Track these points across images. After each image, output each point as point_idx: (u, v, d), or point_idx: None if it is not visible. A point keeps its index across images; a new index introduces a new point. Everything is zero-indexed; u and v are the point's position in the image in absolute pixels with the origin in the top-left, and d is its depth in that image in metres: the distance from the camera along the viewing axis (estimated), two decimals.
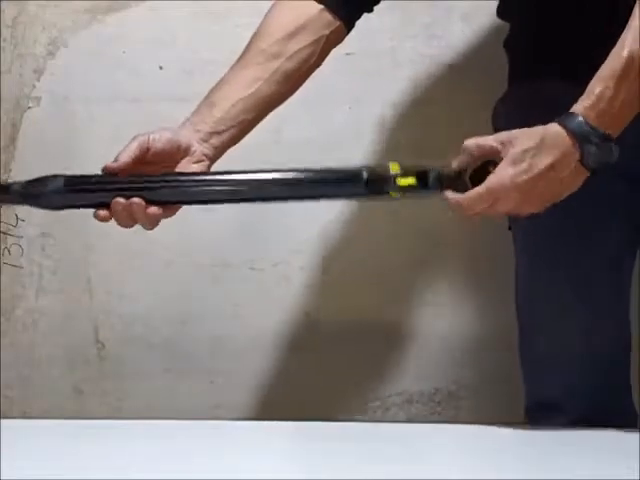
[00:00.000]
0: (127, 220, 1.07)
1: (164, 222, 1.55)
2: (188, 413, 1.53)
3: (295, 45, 1.14)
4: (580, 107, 1.00)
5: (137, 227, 1.54)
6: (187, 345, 1.57)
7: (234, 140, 1.14)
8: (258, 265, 1.55)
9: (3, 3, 1.54)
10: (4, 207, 1.55)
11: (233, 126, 1.12)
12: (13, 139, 1.56)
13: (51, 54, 1.56)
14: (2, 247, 1.56)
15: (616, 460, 0.95)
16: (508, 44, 1.28)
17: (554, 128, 1.00)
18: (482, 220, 1.48)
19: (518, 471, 0.92)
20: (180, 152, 1.10)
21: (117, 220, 1.08)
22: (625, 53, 0.99)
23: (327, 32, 1.16)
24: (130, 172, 1.06)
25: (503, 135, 1.02)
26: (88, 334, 1.58)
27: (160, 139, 1.09)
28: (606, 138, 0.99)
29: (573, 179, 1.01)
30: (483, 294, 1.56)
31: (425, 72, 1.52)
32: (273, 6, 1.18)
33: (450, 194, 1.03)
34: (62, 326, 1.58)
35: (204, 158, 1.11)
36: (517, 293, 1.28)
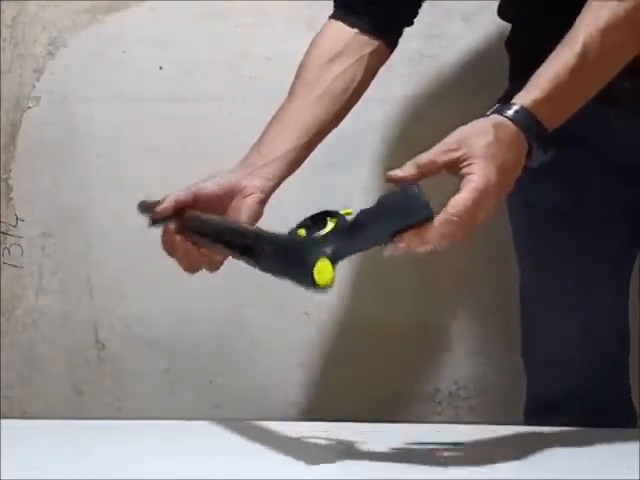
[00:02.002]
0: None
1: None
2: (188, 413, 1.53)
3: (337, 69, 1.13)
4: (529, 101, 0.93)
5: (135, 227, 1.55)
6: (187, 345, 1.57)
7: (285, 171, 1.10)
8: None
9: (3, 3, 1.54)
10: (4, 207, 1.56)
11: (281, 157, 1.09)
12: (13, 139, 1.56)
13: (51, 54, 1.56)
14: (2, 247, 1.56)
15: (616, 460, 0.95)
16: (509, 44, 1.28)
17: (499, 119, 0.92)
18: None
19: (518, 471, 0.92)
20: (231, 192, 1.07)
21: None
22: (577, 50, 0.94)
23: (367, 52, 1.15)
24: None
25: (452, 140, 0.92)
26: (88, 334, 1.58)
27: (206, 186, 1.07)
28: (547, 135, 0.94)
29: (515, 178, 0.94)
30: (483, 294, 1.56)
31: (425, 72, 1.52)
32: (315, 37, 1.17)
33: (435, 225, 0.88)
34: (62, 326, 1.58)
35: (255, 190, 1.07)
36: (520, 293, 1.28)
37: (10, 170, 1.56)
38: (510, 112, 0.93)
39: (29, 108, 1.56)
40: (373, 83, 1.55)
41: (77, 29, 1.55)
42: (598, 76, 0.97)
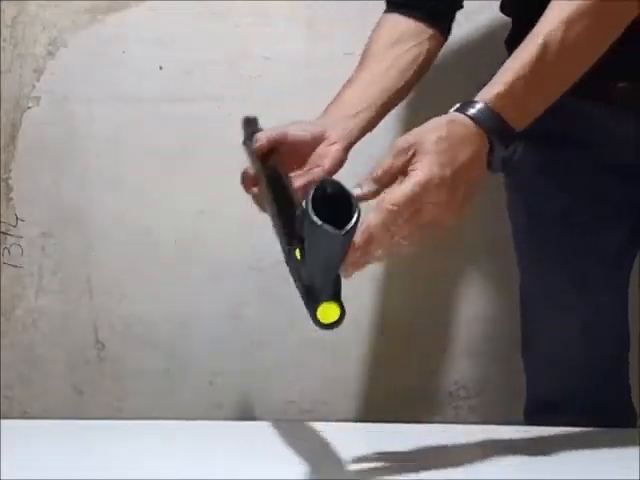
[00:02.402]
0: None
1: (164, 222, 1.56)
2: (188, 413, 1.53)
3: (400, 49, 1.18)
4: (491, 97, 0.92)
5: (135, 227, 1.56)
6: (187, 345, 1.57)
7: (364, 127, 1.13)
8: (258, 265, 1.56)
9: (3, 3, 1.54)
10: (4, 207, 1.56)
11: (364, 109, 1.13)
12: (13, 139, 1.56)
13: (51, 54, 1.55)
14: (2, 247, 1.56)
15: (616, 460, 0.95)
16: (509, 42, 1.28)
17: (459, 117, 0.91)
18: (482, 217, 1.49)
19: (518, 471, 0.92)
20: (315, 139, 1.10)
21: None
22: (540, 41, 0.92)
23: (425, 37, 1.19)
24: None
25: (403, 141, 0.90)
26: (88, 334, 1.58)
27: (294, 130, 1.10)
28: (511, 132, 0.92)
29: (479, 176, 0.91)
30: (484, 294, 1.56)
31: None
32: (373, 30, 1.21)
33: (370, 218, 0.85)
34: (62, 326, 1.58)
35: (339, 139, 1.10)
36: (520, 292, 1.28)
37: (10, 170, 1.56)
38: (468, 108, 0.92)
39: (29, 108, 1.55)
40: None
41: (77, 29, 1.55)
42: (562, 69, 0.94)
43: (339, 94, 1.16)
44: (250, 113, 1.19)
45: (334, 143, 1.10)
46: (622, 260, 1.22)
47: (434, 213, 0.87)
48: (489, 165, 0.91)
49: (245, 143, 1.16)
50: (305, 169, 1.09)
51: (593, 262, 1.20)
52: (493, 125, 0.91)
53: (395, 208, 0.85)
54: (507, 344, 1.50)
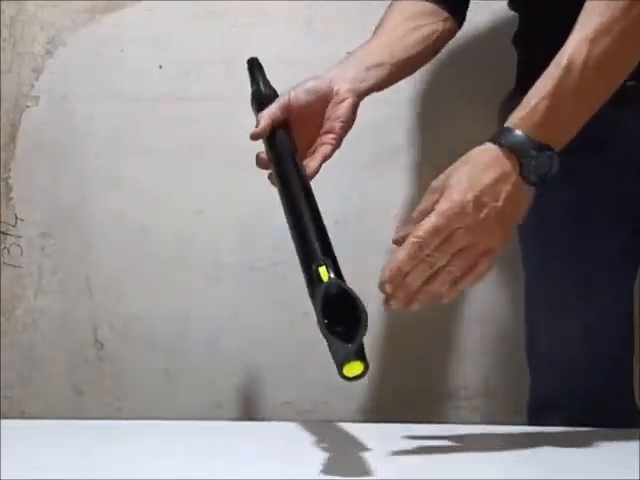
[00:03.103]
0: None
1: (163, 222, 1.56)
2: (188, 413, 1.53)
3: (416, 23, 1.19)
4: (515, 120, 0.95)
5: (134, 227, 1.55)
6: (187, 345, 1.57)
7: (376, 83, 1.13)
8: (258, 265, 1.55)
9: (2, 3, 1.53)
10: (4, 207, 1.55)
11: (377, 65, 1.13)
12: (12, 138, 1.55)
13: (49, 53, 1.55)
14: (2, 247, 1.56)
15: (616, 460, 0.95)
16: (517, 39, 1.27)
17: (486, 146, 0.95)
18: None
19: (518, 471, 0.92)
20: (323, 98, 1.10)
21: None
22: (563, 62, 0.94)
23: (440, 18, 1.22)
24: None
25: (434, 183, 0.95)
26: (87, 334, 1.58)
27: (299, 95, 1.10)
28: (543, 149, 0.94)
29: (519, 196, 0.95)
30: (485, 294, 1.56)
31: (425, 72, 1.52)
32: (386, 11, 1.22)
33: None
34: (62, 326, 1.57)
35: (348, 95, 1.10)
36: (525, 293, 1.28)
37: (9, 170, 1.55)
38: (496, 135, 0.95)
39: (28, 107, 1.55)
40: None
41: (76, 28, 1.55)
42: (590, 86, 0.96)
43: (351, 53, 1.16)
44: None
45: (343, 100, 1.10)
46: (626, 261, 1.22)
47: (469, 237, 0.91)
48: (526, 181, 0.94)
49: (253, 101, 1.16)
50: (317, 142, 1.10)
51: (597, 263, 1.19)
52: (515, 143, 0.94)
53: (418, 239, 0.91)
54: (508, 345, 1.50)
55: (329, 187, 1.53)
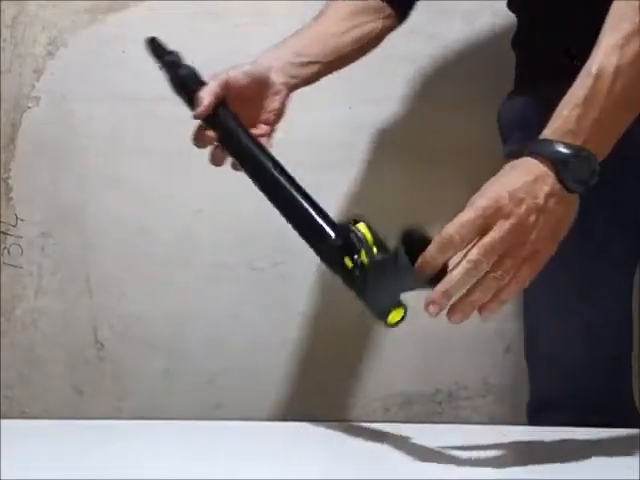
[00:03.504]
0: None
1: (163, 221, 1.56)
2: (188, 413, 1.53)
3: (359, 19, 1.21)
4: (547, 131, 0.93)
5: (134, 227, 1.55)
6: (186, 345, 1.57)
7: (309, 77, 1.16)
8: (258, 265, 1.56)
9: (3, 3, 1.54)
10: (4, 207, 1.56)
11: (310, 63, 1.16)
12: (13, 139, 1.56)
13: (50, 54, 1.55)
14: (2, 247, 1.56)
15: (616, 460, 0.94)
16: (516, 41, 1.27)
17: (517, 160, 0.94)
18: None
19: (518, 471, 0.92)
20: (260, 85, 1.12)
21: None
22: (594, 70, 0.93)
23: (381, 15, 1.23)
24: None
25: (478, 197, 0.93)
26: (87, 334, 1.58)
27: (239, 76, 1.11)
28: (579, 154, 0.92)
29: (561, 198, 0.92)
30: None
31: (425, 72, 1.52)
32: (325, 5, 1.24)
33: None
34: (62, 326, 1.57)
35: (283, 89, 1.13)
36: (524, 292, 1.28)
37: (10, 170, 1.56)
38: (530, 146, 0.93)
39: (29, 108, 1.55)
40: (372, 83, 1.56)
41: (77, 29, 1.55)
42: (624, 93, 0.93)
43: (288, 39, 1.18)
44: None
45: (278, 92, 1.13)
46: (626, 261, 1.22)
47: (511, 235, 0.89)
48: (566, 187, 0.92)
49: (176, 86, 1.16)
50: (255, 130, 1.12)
51: (597, 263, 1.19)
52: (547, 150, 0.91)
53: (446, 239, 0.90)
54: (508, 344, 1.50)
55: (329, 186, 1.54)
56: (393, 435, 1.03)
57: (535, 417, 1.26)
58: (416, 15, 1.54)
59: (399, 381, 1.57)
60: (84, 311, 1.57)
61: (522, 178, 0.90)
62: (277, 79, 1.13)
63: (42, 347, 1.58)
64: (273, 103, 1.13)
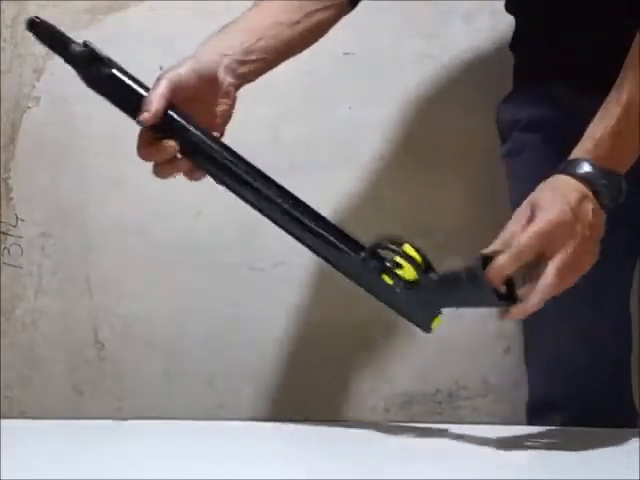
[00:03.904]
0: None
1: (163, 221, 1.56)
2: (188, 413, 1.53)
3: (313, 6, 1.11)
4: (581, 151, 0.99)
5: (134, 227, 1.55)
6: (187, 345, 1.57)
7: (256, 74, 1.08)
8: (258, 265, 1.55)
9: (3, 3, 1.53)
10: (4, 207, 1.56)
11: (259, 59, 1.06)
12: (13, 139, 1.56)
13: (51, 54, 1.55)
14: (2, 247, 1.56)
15: (616, 460, 0.94)
16: (514, 44, 1.27)
17: (557, 177, 0.98)
18: (485, 217, 1.49)
19: (518, 471, 0.92)
20: (209, 84, 1.02)
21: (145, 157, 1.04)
22: (624, 95, 0.98)
23: (336, 1, 1.13)
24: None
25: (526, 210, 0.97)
26: (88, 334, 1.58)
27: (190, 77, 1.00)
28: (611, 175, 0.98)
29: (599, 216, 0.98)
30: None
31: (425, 72, 1.52)
32: None
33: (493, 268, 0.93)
34: (62, 326, 1.57)
35: (231, 89, 1.04)
36: None
37: (10, 170, 1.56)
38: (565, 167, 0.98)
39: (29, 108, 1.55)
40: (372, 83, 1.56)
41: (77, 29, 1.55)
42: None
43: (232, 28, 1.10)
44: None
45: (228, 94, 1.04)
46: (626, 261, 1.22)
47: (569, 250, 0.94)
48: (602, 206, 0.98)
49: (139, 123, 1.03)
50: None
51: (597, 264, 1.19)
52: (587, 173, 0.97)
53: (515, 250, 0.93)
54: (508, 344, 1.50)
55: (329, 186, 1.54)
56: (393, 435, 1.03)
57: (535, 417, 1.26)
58: (416, 15, 1.54)
59: (399, 381, 1.57)
60: (84, 311, 1.57)
61: (575, 195, 0.96)
62: (225, 78, 1.04)
63: (42, 347, 1.58)
64: (222, 106, 1.04)
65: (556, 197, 0.95)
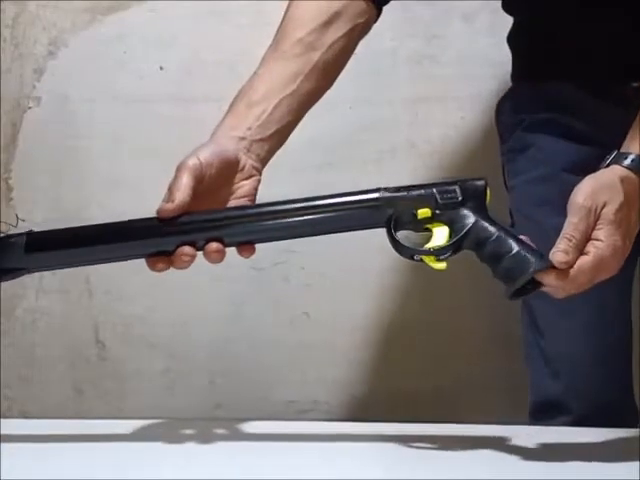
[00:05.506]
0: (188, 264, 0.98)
1: None
2: (188, 413, 1.53)
3: (332, 34, 1.03)
4: (628, 147, 0.98)
5: None
6: (187, 345, 1.57)
7: (278, 146, 1.02)
8: (258, 265, 1.55)
9: (3, 3, 1.54)
10: (4, 207, 1.56)
11: (278, 130, 1.00)
12: (13, 139, 1.56)
13: (51, 54, 1.56)
14: None
15: (616, 460, 0.94)
16: (511, 40, 1.27)
17: (625, 173, 0.97)
18: None
19: (519, 471, 0.92)
20: (232, 170, 0.97)
21: (178, 267, 0.98)
22: None
23: (361, 20, 1.06)
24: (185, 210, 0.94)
25: (582, 199, 0.94)
26: (88, 334, 1.58)
27: (212, 163, 0.94)
28: None
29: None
30: (485, 293, 1.56)
31: (425, 72, 1.52)
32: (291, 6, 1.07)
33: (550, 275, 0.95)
34: (62, 326, 1.58)
35: (255, 173, 0.98)
36: None
37: (10, 170, 1.56)
38: (628, 162, 0.97)
39: (30, 108, 1.56)
40: (374, 83, 1.56)
41: (77, 29, 1.55)
42: None
43: (250, 88, 1.03)
44: None
45: (250, 177, 0.98)
46: (626, 261, 1.22)
47: (604, 276, 0.98)
48: None
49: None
50: None
51: None
52: (637, 164, 0.96)
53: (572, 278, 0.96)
54: (508, 344, 1.50)
55: (329, 186, 1.54)
56: (393, 434, 1.03)
57: (535, 417, 1.26)
58: (416, 15, 1.54)
59: (399, 380, 1.57)
60: (85, 311, 1.57)
61: (626, 187, 0.95)
62: (248, 162, 0.98)
63: (42, 347, 1.58)
64: (245, 188, 0.98)
65: (621, 219, 0.94)
